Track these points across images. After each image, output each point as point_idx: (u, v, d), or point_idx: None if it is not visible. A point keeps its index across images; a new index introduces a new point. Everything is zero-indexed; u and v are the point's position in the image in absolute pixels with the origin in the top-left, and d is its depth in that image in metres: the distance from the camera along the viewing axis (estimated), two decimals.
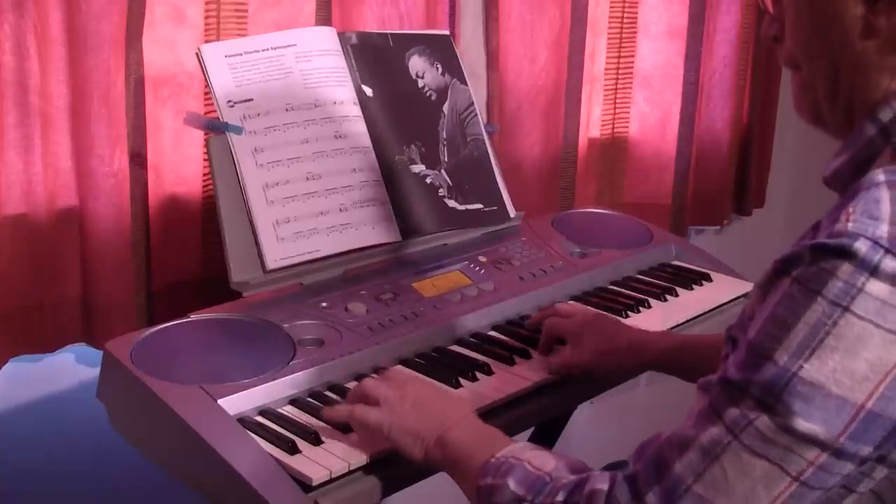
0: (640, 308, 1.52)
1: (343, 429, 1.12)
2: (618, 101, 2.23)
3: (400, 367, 1.28)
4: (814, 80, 0.92)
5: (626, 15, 2.18)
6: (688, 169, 2.30)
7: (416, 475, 1.13)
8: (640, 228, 1.80)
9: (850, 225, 0.79)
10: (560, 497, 0.90)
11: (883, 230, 0.78)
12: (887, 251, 0.77)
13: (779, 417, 0.79)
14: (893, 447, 0.81)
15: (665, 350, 1.31)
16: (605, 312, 1.43)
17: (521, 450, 0.98)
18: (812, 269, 0.79)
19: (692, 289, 1.62)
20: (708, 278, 1.65)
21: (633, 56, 2.22)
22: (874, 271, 0.77)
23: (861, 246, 0.77)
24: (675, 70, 2.24)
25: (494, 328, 1.43)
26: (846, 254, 0.78)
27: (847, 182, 0.87)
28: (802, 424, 0.78)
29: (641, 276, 1.66)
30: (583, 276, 1.59)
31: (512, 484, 0.93)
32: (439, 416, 1.07)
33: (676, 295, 1.58)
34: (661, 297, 1.57)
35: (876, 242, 0.77)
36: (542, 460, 0.96)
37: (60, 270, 1.48)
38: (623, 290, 1.59)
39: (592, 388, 1.38)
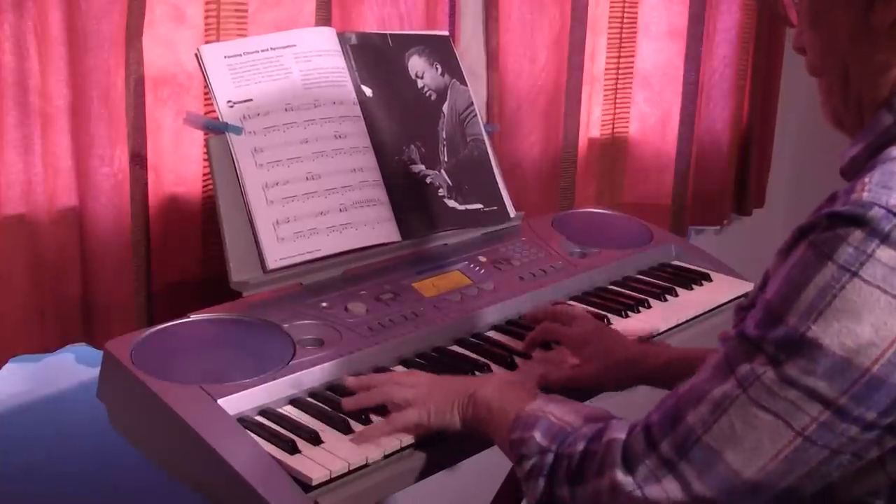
0: (640, 308, 1.52)
1: (343, 429, 1.12)
2: (618, 101, 2.23)
3: (400, 367, 1.28)
4: (831, 85, 0.96)
5: (626, 15, 2.18)
6: (688, 169, 2.30)
7: (416, 475, 1.13)
8: (640, 228, 1.80)
9: (864, 195, 0.82)
10: (580, 446, 0.95)
11: None
12: None
13: (785, 373, 0.82)
14: None
15: (663, 364, 1.30)
16: (603, 323, 1.41)
17: (546, 402, 1.05)
18: (826, 234, 0.82)
19: (692, 289, 1.62)
20: (708, 278, 1.65)
21: (633, 56, 2.22)
22: (885, 238, 0.80)
23: (874, 214, 0.80)
24: (675, 70, 2.24)
25: (494, 328, 1.43)
26: (859, 221, 0.80)
27: (863, 167, 0.90)
28: (806, 380, 0.82)
29: (641, 276, 1.66)
30: (583, 276, 1.59)
31: (538, 436, 0.99)
32: (463, 385, 1.14)
33: (676, 295, 1.58)
34: (661, 297, 1.57)
35: (889, 211, 0.80)
36: (565, 411, 1.02)
37: (60, 270, 1.48)
38: (623, 290, 1.59)
39: (593, 393, 1.37)
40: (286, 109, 1.45)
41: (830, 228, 0.82)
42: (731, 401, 0.86)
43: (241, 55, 1.44)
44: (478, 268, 1.53)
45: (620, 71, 2.21)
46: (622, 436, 0.93)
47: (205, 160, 1.56)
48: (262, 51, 1.46)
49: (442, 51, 1.66)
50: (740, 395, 0.85)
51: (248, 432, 1.09)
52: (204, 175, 1.59)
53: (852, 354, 0.80)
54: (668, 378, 1.28)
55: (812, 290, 0.82)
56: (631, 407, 1.23)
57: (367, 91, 1.54)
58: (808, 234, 0.84)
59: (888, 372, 0.80)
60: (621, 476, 0.90)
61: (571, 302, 1.53)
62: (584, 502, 0.94)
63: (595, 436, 0.96)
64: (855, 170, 0.93)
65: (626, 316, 1.49)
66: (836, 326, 0.81)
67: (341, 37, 1.55)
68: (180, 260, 1.60)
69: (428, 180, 1.56)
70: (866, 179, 0.83)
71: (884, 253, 0.80)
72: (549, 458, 0.98)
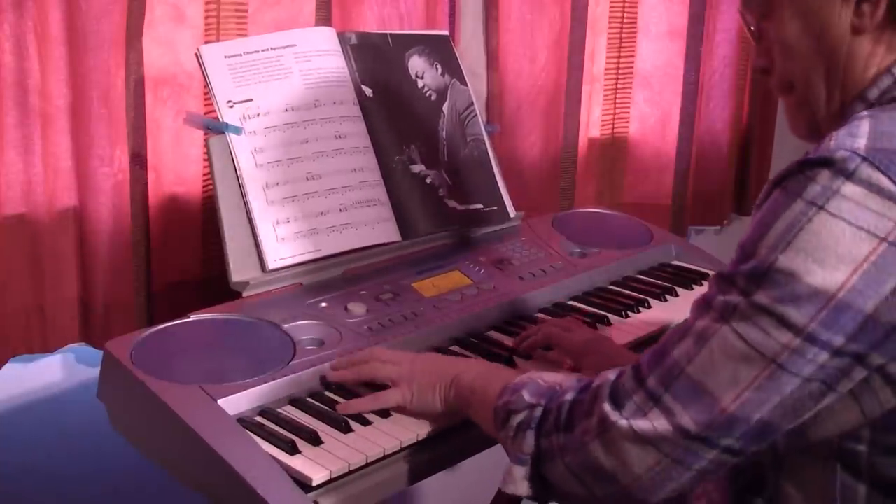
0: (640, 308, 1.52)
1: (343, 429, 1.12)
2: (618, 101, 2.23)
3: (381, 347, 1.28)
4: (810, 92, 0.99)
5: (626, 15, 2.18)
6: (688, 169, 2.30)
7: (416, 475, 1.13)
8: (640, 228, 1.80)
9: (832, 143, 0.87)
10: (570, 396, 0.99)
11: (861, 143, 0.86)
12: (864, 159, 0.84)
13: (756, 301, 0.87)
14: (871, 349, 0.85)
15: None
16: (599, 332, 1.41)
17: (534, 371, 1.07)
18: (796, 178, 0.87)
19: (692, 289, 1.62)
20: (708, 278, 1.65)
21: (633, 56, 2.22)
22: (850, 176, 0.84)
23: (841, 155, 0.85)
24: (675, 70, 2.24)
25: (494, 328, 1.42)
26: (827, 162, 0.85)
27: None
28: (776, 307, 0.86)
29: (641, 276, 1.66)
30: (583, 276, 1.59)
31: (526, 395, 1.02)
32: (446, 367, 1.17)
33: (676, 295, 1.58)
34: (661, 297, 1.57)
35: (854, 152, 0.85)
36: (554, 376, 1.05)
37: (60, 270, 1.48)
38: (623, 290, 1.59)
39: None
40: (286, 109, 1.45)
41: (800, 172, 0.87)
42: (710, 333, 0.89)
43: (241, 55, 1.44)
44: (478, 268, 1.53)
45: (620, 71, 2.21)
46: (612, 376, 0.96)
47: (205, 160, 1.56)
48: (263, 51, 1.46)
49: (442, 51, 1.66)
50: (720, 327, 0.89)
51: (248, 432, 1.09)
52: (204, 175, 1.59)
53: (819, 281, 0.84)
54: None
55: (781, 224, 0.86)
56: None
57: (368, 91, 1.54)
58: (781, 182, 0.89)
59: (853, 298, 0.83)
60: (609, 409, 0.93)
61: (572, 302, 1.54)
62: (572, 447, 0.95)
63: (584, 387, 0.99)
64: None
65: (626, 316, 1.49)
66: (804, 255, 0.85)
67: (341, 37, 1.55)
68: (180, 260, 1.60)
69: (428, 180, 1.56)
70: (834, 133, 0.89)
71: (848, 188, 0.84)
72: (538, 411, 1.00)
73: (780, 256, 0.86)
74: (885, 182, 0.83)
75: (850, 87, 0.97)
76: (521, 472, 0.99)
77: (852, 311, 0.84)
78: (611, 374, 0.97)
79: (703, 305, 0.93)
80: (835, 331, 0.84)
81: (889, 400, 0.88)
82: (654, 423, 0.90)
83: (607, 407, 0.93)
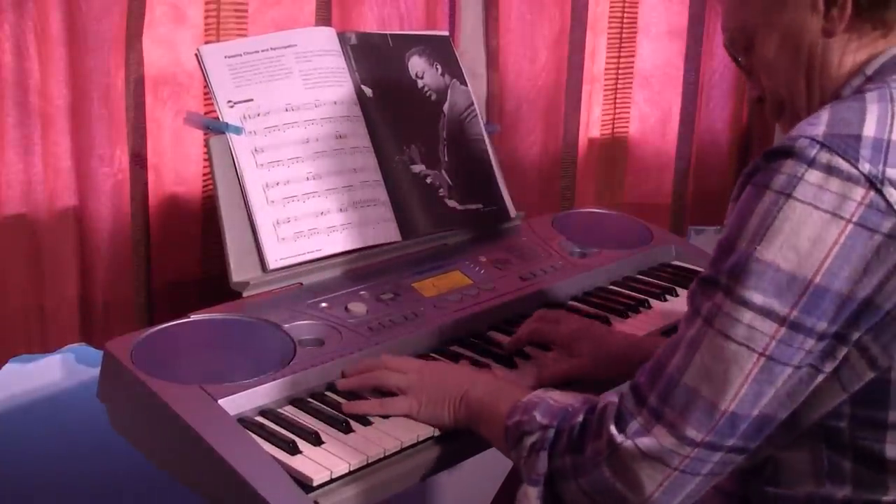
0: (640, 308, 1.52)
1: (344, 429, 1.12)
2: (618, 101, 2.22)
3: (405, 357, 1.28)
4: (796, 101, 1.04)
5: (626, 15, 2.17)
6: (688, 169, 2.30)
7: (417, 475, 1.13)
8: (640, 228, 1.80)
9: (794, 132, 0.91)
10: (579, 418, 1.00)
11: (819, 130, 0.90)
12: (822, 145, 0.88)
13: (738, 295, 0.89)
14: (849, 326, 0.88)
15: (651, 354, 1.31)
16: (589, 319, 1.42)
17: (544, 391, 1.09)
18: (763, 169, 0.91)
19: None
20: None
21: (633, 56, 2.21)
22: (811, 162, 0.88)
23: (801, 144, 0.89)
24: (675, 70, 2.24)
25: (494, 328, 1.42)
26: (789, 152, 0.89)
27: None
28: (759, 299, 0.88)
29: (641, 276, 1.66)
30: (583, 276, 1.59)
31: (538, 416, 1.03)
32: (457, 382, 1.17)
33: (676, 295, 1.58)
34: (661, 297, 1.57)
35: (813, 139, 0.89)
36: (563, 395, 1.07)
37: (60, 270, 1.48)
38: (623, 290, 1.59)
39: (591, 388, 1.37)
40: (286, 109, 1.45)
41: (767, 164, 0.91)
42: (700, 339, 0.92)
43: (241, 55, 1.44)
44: (478, 268, 1.53)
45: (620, 71, 2.21)
46: (615, 399, 0.98)
47: (205, 160, 1.56)
48: (263, 51, 1.46)
49: (442, 51, 1.66)
50: (708, 331, 0.91)
51: (249, 433, 1.09)
52: (204, 175, 1.59)
53: (795, 268, 0.87)
54: None
55: (755, 218, 0.90)
56: None
57: (368, 91, 1.54)
58: (751, 176, 0.92)
59: (829, 280, 0.87)
60: (615, 432, 0.95)
61: (572, 303, 1.54)
62: (584, 469, 0.97)
63: (592, 407, 1.00)
64: None
65: (627, 316, 1.49)
66: (778, 244, 0.88)
67: (341, 37, 1.55)
68: (180, 260, 1.60)
69: (428, 180, 1.56)
70: (798, 125, 0.92)
71: (811, 175, 0.88)
72: (550, 433, 1.01)
73: (758, 247, 0.89)
74: (843, 164, 0.87)
75: (828, 86, 1.01)
76: (534, 492, 1.01)
77: (830, 294, 0.87)
78: (613, 396, 0.99)
79: (690, 314, 0.95)
80: (817, 316, 0.87)
81: (865, 371, 0.91)
82: (660, 439, 0.92)
83: (613, 429, 0.95)
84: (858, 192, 0.86)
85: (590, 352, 1.31)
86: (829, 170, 0.87)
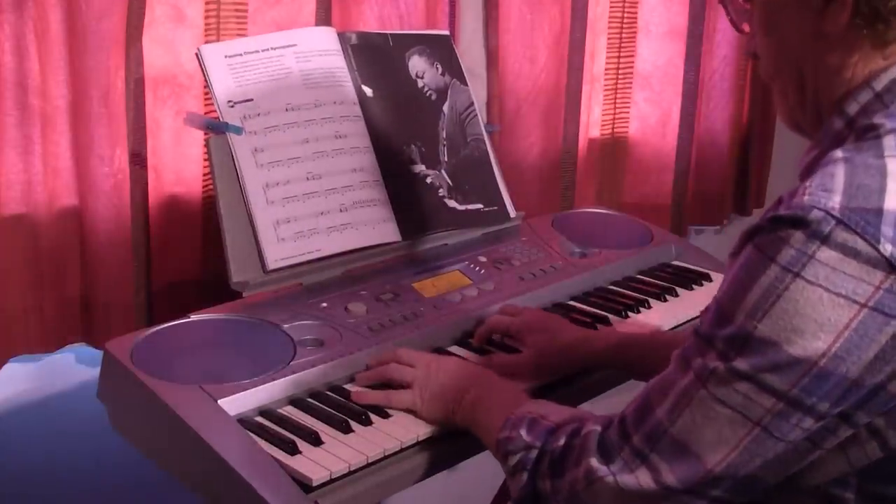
0: (640, 308, 1.52)
1: (344, 429, 1.12)
2: (618, 101, 2.23)
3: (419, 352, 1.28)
4: (786, 88, 0.99)
5: (626, 15, 2.18)
6: (688, 169, 2.30)
7: (416, 475, 1.13)
8: (640, 228, 1.80)
9: (805, 198, 0.83)
10: (562, 441, 0.99)
11: (836, 201, 0.82)
12: (839, 222, 0.81)
13: (736, 368, 0.85)
14: (856, 409, 0.84)
15: (609, 347, 1.32)
16: (550, 313, 1.43)
17: (534, 405, 1.09)
18: (769, 237, 0.85)
19: (692, 289, 1.62)
20: (708, 278, 1.65)
21: (633, 56, 2.22)
22: (825, 240, 0.81)
23: (814, 216, 0.82)
24: (675, 70, 2.24)
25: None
26: (800, 223, 0.82)
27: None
28: (757, 375, 0.84)
29: (641, 276, 1.66)
30: (583, 276, 1.59)
31: (523, 433, 1.03)
32: (456, 382, 1.17)
33: (676, 295, 1.58)
34: (661, 297, 1.57)
35: (828, 213, 0.81)
36: (551, 411, 1.06)
37: (60, 270, 1.48)
38: (623, 290, 1.59)
39: (591, 388, 1.37)
40: (286, 109, 1.45)
41: (773, 231, 0.84)
42: (691, 395, 0.88)
43: (241, 55, 1.44)
44: (478, 268, 1.53)
45: (620, 71, 2.21)
46: (598, 428, 0.96)
47: (205, 160, 1.56)
48: (263, 50, 1.46)
49: (442, 51, 1.66)
50: (699, 390, 0.88)
51: (249, 433, 1.09)
52: (204, 175, 1.59)
53: (799, 351, 0.82)
54: (621, 360, 1.32)
55: (757, 290, 0.84)
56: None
57: (368, 91, 1.54)
58: (754, 237, 0.87)
59: (835, 365, 0.82)
60: (596, 464, 0.93)
61: (573, 303, 1.54)
62: (563, 493, 0.97)
63: (575, 431, 0.99)
64: (810, 175, 0.93)
65: (626, 316, 1.48)
66: (781, 324, 0.82)
67: (341, 37, 1.55)
68: (180, 260, 1.60)
69: (428, 180, 1.56)
70: (808, 183, 0.85)
71: (824, 254, 0.81)
72: (533, 453, 1.01)
73: (759, 325, 0.83)
74: (861, 245, 0.80)
75: (824, 95, 0.95)
76: None
77: (835, 378, 0.82)
78: (597, 424, 0.97)
79: (681, 360, 0.91)
80: (819, 396, 0.83)
81: (875, 451, 0.87)
82: (640, 479, 0.90)
83: (594, 461, 0.93)
84: (877, 277, 0.80)
85: (534, 344, 1.32)
86: (845, 250, 0.80)
